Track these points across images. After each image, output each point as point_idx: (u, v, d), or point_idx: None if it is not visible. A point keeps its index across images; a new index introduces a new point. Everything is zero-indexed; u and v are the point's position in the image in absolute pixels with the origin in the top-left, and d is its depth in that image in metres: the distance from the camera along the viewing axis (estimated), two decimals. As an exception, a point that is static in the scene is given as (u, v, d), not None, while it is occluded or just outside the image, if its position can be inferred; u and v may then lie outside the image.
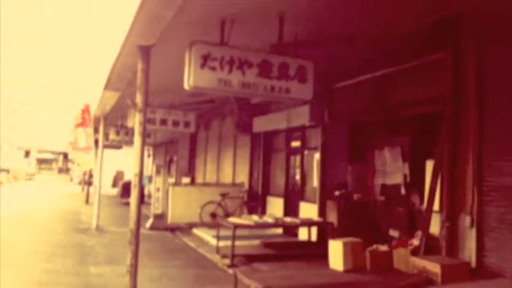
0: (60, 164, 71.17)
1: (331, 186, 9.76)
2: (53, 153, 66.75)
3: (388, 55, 7.83)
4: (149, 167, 34.76)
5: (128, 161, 34.67)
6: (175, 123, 11.38)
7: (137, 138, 5.36)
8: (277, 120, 11.82)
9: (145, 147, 32.65)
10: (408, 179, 8.59)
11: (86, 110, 12.86)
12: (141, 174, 5.42)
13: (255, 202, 13.11)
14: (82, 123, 13.01)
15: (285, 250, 8.82)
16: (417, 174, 8.18)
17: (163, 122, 11.13)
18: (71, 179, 45.43)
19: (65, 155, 65.75)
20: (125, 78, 7.52)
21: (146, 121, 5.40)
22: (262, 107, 12.96)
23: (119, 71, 7.05)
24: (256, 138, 13.56)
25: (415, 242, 6.77)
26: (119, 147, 23.60)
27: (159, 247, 10.19)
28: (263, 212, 12.93)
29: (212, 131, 17.38)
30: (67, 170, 63.45)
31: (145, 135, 5.38)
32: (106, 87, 8.53)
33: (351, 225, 9.14)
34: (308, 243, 9.50)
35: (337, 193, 9.47)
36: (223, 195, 12.95)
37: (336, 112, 9.93)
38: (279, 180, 12.80)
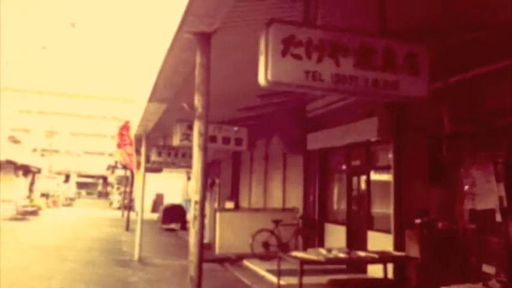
0: (100, 188, 71.51)
1: (409, 213, 8.32)
2: (93, 177, 67.14)
3: (480, 51, 6.46)
4: (189, 190, 33.89)
5: (168, 184, 34.00)
6: (226, 140, 10.18)
7: (197, 154, 4.15)
8: (336, 135, 10.49)
9: (185, 170, 31.83)
10: (505, 203, 7.10)
11: (124, 127, 11.86)
12: (203, 200, 4.20)
13: (312, 230, 11.71)
14: (122, 142, 12.03)
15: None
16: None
17: (213, 139, 9.92)
18: (111, 204, 45.04)
19: (105, 179, 66.02)
20: (174, 84, 6.36)
21: (208, 130, 4.18)
22: (317, 121, 11.68)
23: (167, 73, 5.85)
24: (311, 157, 12.23)
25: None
26: (159, 170, 22.67)
27: (210, 285, 8.91)
28: (321, 241, 11.52)
29: (258, 150, 16.12)
30: (106, 194, 63.54)
31: (206, 148, 4.16)
32: (151, 99, 7.41)
33: (436, 259, 7.69)
34: (385, 282, 8.04)
35: (418, 221, 8.01)
36: (277, 222, 11.63)
37: (412, 124, 8.54)
38: (339, 205, 11.39)
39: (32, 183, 42.48)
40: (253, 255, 11.21)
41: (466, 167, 7.84)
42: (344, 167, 11.16)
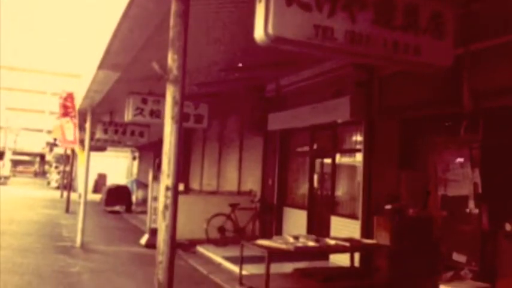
0: (37, 166, 67.94)
1: (379, 198, 7.88)
2: (30, 155, 63.59)
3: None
4: (134, 171, 32.50)
5: (111, 164, 32.45)
6: (185, 117, 9.19)
7: (170, 127, 3.31)
8: (300, 116, 9.88)
9: (130, 150, 30.41)
10: (479, 190, 6.78)
11: (68, 97, 10.65)
12: (176, 185, 3.39)
13: (270, 214, 11.12)
14: (65, 113, 10.81)
15: (330, 282, 6.87)
16: (492, 183, 6.40)
17: None
18: (48, 183, 42.67)
19: (42, 157, 62.74)
20: (132, 46, 5.42)
21: (184, 99, 3.34)
22: (279, 101, 11.01)
23: (125, 31, 4.88)
24: (271, 139, 11.59)
25: None
26: (103, 148, 21.31)
27: (163, 275, 8.11)
28: (279, 226, 10.98)
29: (211, 129, 15.27)
30: (44, 173, 60.41)
31: (181, 121, 3.34)
32: (101, 65, 6.39)
33: (407, 248, 7.32)
34: (354, 271, 7.58)
35: (388, 207, 7.58)
36: (234, 206, 10.93)
37: (383, 105, 8.05)
38: (300, 188, 10.85)
39: (-40, 160, 39.44)
40: (207, 241, 10.50)
41: (439, 150, 7.47)
42: (307, 149, 10.59)
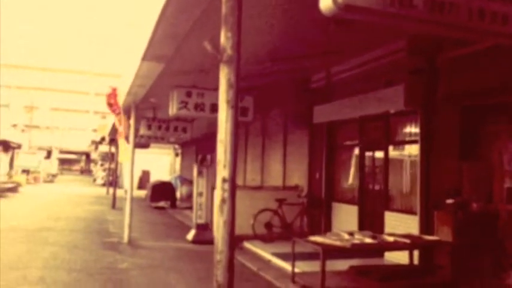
0: (82, 164, 69.89)
1: (438, 192, 7.36)
2: (75, 153, 65.43)
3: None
4: (177, 167, 32.73)
5: (154, 160, 32.78)
6: None
7: (225, 113, 3.02)
8: (348, 107, 9.44)
9: (172, 146, 30.63)
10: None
11: (112, 95, 10.59)
12: (234, 177, 3.09)
13: (318, 210, 10.73)
14: (111, 110, 10.77)
15: (389, 281, 6.45)
16: None
17: (215, 108, 8.64)
18: (94, 180, 43.70)
19: (87, 155, 64.40)
20: (178, 33, 5.15)
21: (239, 81, 3.03)
22: (325, 92, 10.60)
23: (171, 17, 4.61)
24: (317, 132, 11.19)
25: None
26: (146, 145, 21.45)
27: (211, 271, 7.89)
28: (328, 222, 10.58)
29: (254, 123, 14.96)
30: (89, 171, 62.07)
31: (237, 105, 3.05)
32: (145, 55, 6.17)
33: (471, 245, 6.80)
34: (413, 269, 7.11)
35: (449, 201, 7.06)
36: (280, 202, 10.61)
37: (443, 93, 7.52)
38: (349, 183, 10.41)
39: (12, 159, 40.84)
40: (254, 237, 10.23)
41: (505, 140, 6.92)
42: (356, 141, 10.13)
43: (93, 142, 43.14)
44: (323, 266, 5.92)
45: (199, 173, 11.21)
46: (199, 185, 11.19)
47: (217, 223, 3.04)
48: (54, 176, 44.59)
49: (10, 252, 8.77)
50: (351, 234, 6.72)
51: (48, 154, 46.81)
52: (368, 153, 9.79)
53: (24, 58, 55.94)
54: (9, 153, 41.30)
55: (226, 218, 3.00)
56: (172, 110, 8.55)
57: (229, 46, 3.03)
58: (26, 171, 35.77)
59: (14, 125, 45.10)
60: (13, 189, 24.90)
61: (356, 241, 6.31)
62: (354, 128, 10.13)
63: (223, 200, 3.03)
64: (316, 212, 10.77)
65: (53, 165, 47.67)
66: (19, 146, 42.01)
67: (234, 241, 3.11)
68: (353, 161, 10.33)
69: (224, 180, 3.03)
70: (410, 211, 8.08)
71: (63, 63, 58.61)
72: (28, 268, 7.41)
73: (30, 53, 56.03)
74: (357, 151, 10.14)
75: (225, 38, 3.04)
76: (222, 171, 3.04)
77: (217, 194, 3.06)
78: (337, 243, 6.20)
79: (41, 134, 53.36)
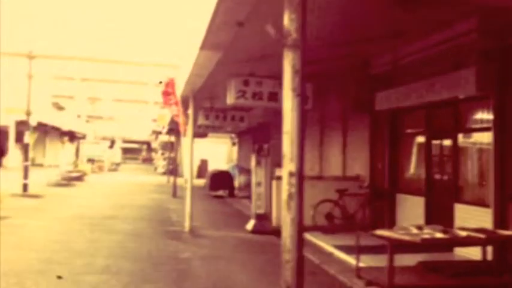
0: (144, 153, 72.21)
1: (515, 183, 6.85)
2: (137, 142, 67.64)
3: None
4: (234, 156, 32.99)
5: (211, 149, 33.21)
6: None
7: (290, 101, 2.86)
8: (413, 93, 8.95)
9: (229, 136, 30.91)
10: None
11: (169, 84, 10.66)
12: (301, 171, 2.93)
13: (381, 201, 10.35)
14: (167, 100, 10.87)
15: (461, 278, 6.07)
16: None
17: (273, 96, 8.49)
18: (155, 169, 44.99)
19: (148, 144, 66.43)
20: (236, 19, 5.00)
21: (305, 67, 2.85)
22: (387, 78, 10.14)
23: (230, 1, 4.47)
24: (380, 119, 10.76)
25: None
26: (204, 135, 21.71)
27: (274, 264, 7.78)
28: (392, 214, 10.18)
29: (311, 111, 14.65)
30: (151, 160, 64.01)
31: (304, 93, 2.87)
32: (204, 44, 6.08)
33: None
34: (487, 266, 6.67)
35: (528, 192, 6.56)
36: (341, 192, 10.34)
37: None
38: (415, 173, 9.95)
39: (77, 149, 42.83)
40: (314, 228, 10.03)
41: None
42: (422, 129, 9.65)
43: (154, 132, 44.36)
44: (391, 261, 5.65)
45: (258, 162, 11.13)
46: (258, 175, 11.12)
47: (284, 220, 2.89)
48: (117, 165, 46.36)
49: (79, 240, 9.10)
50: (420, 228, 6.38)
51: (112, 144, 48.67)
52: (435, 142, 9.29)
53: (88, 50, 58.19)
54: (75, 143, 43.30)
55: (294, 215, 2.85)
56: (230, 99, 8.47)
57: (293, 29, 2.84)
58: (91, 161, 37.33)
59: (78, 116, 47.16)
60: (79, 178, 26.02)
61: (426, 236, 5.96)
62: (419, 115, 9.64)
63: (290, 196, 2.87)
64: (379, 204, 10.40)
65: (116, 155, 49.54)
66: (84, 136, 43.94)
67: (303, 240, 2.95)
68: (418, 150, 9.85)
69: (291, 174, 2.87)
70: (482, 203, 7.59)
71: (123, 55, 60.48)
72: (94, 256, 7.63)
73: (92, 45, 58.22)
74: (422, 139, 9.66)
75: (289, 21, 2.85)
76: (289, 164, 2.88)
77: (284, 189, 2.90)
78: (406, 237, 5.89)
79: (104, 124, 55.47)
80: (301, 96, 2.84)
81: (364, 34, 8.01)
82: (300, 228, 2.90)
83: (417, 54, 9.00)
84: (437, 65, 8.36)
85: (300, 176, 2.92)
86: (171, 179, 21.50)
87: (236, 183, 20.84)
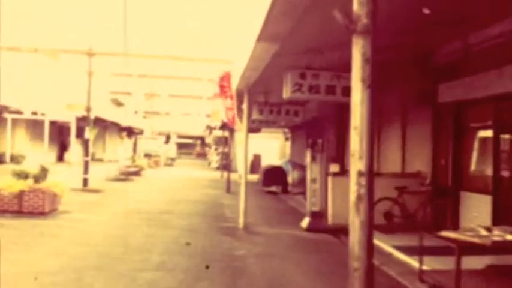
0: (198, 148, 73.38)
1: None
2: (191, 138, 68.76)
3: None
4: (287, 151, 32.75)
5: (264, 145, 33.14)
6: (346, 92, 8.30)
7: (360, 93, 2.63)
8: (480, 84, 8.41)
9: (282, 130, 30.71)
10: None
11: (225, 77, 10.60)
12: (371, 166, 2.70)
13: (445, 200, 9.81)
14: (223, 93, 10.82)
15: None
16: None
17: (331, 90, 8.19)
18: (209, 164, 45.57)
19: (202, 140, 67.39)
20: (297, 8, 4.77)
21: (375, 55, 2.61)
22: (450, 68, 9.58)
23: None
24: (443, 112, 10.18)
25: None
26: (257, 130, 21.63)
27: (329, 264, 7.54)
28: (455, 214, 9.62)
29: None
30: (204, 155, 64.95)
31: (374, 85, 2.63)
32: (261, 36, 5.89)
33: None
34: None
35: None
36: (401, 190, 9.89)
37: None
38: (482, 169, 9.34)
39: (135, 144, 44.07)
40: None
41: None
42: (490, 123, 9.03)
43: (208, 127, 44.85)
44: (458, 265, 5.30)
45: (313, 158, 10.87)
46: (313, 171, 10.86)
47: (352, 224, 2.67)
48: (173, 159, 47.31)
49: (136, 235, 9.22)
50: (488, 229, 5.94)
51: (167, 139, 49.74)
52: (504, 136, 8.66)
53: (144, 48, 59.58)
54: (133, 139, 44.58)
55: (363, 219, 2.62)
56: (286, 92, 8.26)
57: (363, 13, 2.60)
58: (147, 156, 38.27)
59: (136, 112, 48.50)
60: (136, 173, 26.68)
61: (496, 238, 5.54)
62: (487, 108, 9.02)
63: (358, 197, 2.64)
64: (442, 202, 9.85)
65: (171, 150, 50.55)
66: (141, 132, 45.14)
67: (373, 246, 2.71)
68: (486, 145, 9.23)
69: (360, 174, 2.63)
70: (560, 203, 6.97)
71: (178, 51, 61.45)
72: (150, 252, 7.67)
73: (148, 42, 59.55)
74: (490, 133, 9.03)
75: (358, 5, 2.61)
76: (358, 163, 2.65)
77: (352, 190, 2.68)
78: (475, 239, 5.48)
79: (160, 120, 56.74)
80: (372, 88, 2.60)
81: (433, 19, 7.54)
82: (370, 233, 2.67)
83: (486, 43, 8.42)
84: (509, 54, 7.77)
85: (369, 175, 2.68)
86: (225, 174, 21.60)
87: (289, 179, 20.63)
